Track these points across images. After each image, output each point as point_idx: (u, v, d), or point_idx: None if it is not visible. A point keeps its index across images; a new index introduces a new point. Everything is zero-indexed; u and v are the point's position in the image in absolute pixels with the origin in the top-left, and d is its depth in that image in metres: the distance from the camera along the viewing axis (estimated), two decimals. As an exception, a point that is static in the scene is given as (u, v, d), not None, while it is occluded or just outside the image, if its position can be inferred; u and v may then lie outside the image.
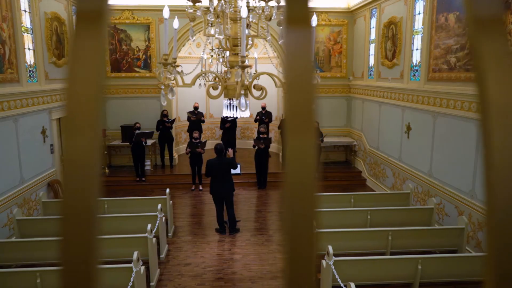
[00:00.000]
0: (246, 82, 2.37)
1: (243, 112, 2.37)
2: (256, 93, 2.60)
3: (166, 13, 2.55)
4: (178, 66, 2.71)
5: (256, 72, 4.36)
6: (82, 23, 0.24)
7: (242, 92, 2.30)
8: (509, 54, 0.29)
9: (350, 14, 11.72)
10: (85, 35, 0.24)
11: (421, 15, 7.99)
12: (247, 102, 2.30)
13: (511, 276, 0.28)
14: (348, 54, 11.95)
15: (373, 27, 10.39)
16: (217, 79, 4.00)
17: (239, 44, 2.60)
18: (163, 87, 2.68)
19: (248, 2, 2.64)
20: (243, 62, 2.29)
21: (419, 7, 8.10)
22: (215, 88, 2.68)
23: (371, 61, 10.59)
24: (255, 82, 2.72)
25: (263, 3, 2.66)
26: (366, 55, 10.84)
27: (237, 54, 2.62)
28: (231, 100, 2.76)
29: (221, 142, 8.47)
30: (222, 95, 2.85)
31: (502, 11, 0.31)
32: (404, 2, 8.64)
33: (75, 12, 0.25)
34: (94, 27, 0.24)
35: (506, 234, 0.28)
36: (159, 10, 11.16)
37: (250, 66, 2.50)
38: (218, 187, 7.44)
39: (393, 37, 9.22)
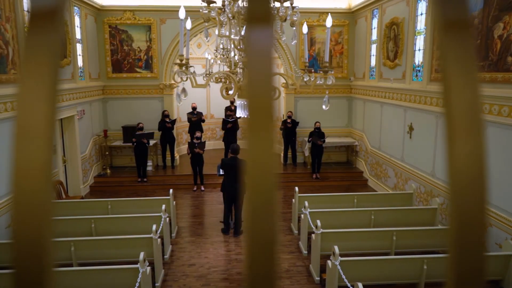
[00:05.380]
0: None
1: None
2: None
3: (182, 14, 2.55)
4: (191, 66, 2.72)
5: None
6: (253, 24, 0.24)
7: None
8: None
9: (351, 14, 11.74)
10: (257, 36, 0.24)
11: (424, 15, 8.02)
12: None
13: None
14: (349, 55, 11.98)
15: (374, 28, 10.42)
16: (225, 79, 3.99)
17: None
18: (178, 86, 2.68)
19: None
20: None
21: (422, 7, 8.13)
22: (229, 89, 2.68)
23: (373, 62, 10.62)
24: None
25: (278, 4, 2.67)
26: (368, 55, 10.86)
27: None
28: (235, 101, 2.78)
29: (236, 143, 8.51)
30: (219, 96, 2.86)
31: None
32: (406, 2, 8.67)
33: (246, 13, 0.25)
34: (264, 27, 0.24)
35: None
36: (160, 10, 11.20)
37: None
38: (229, 187, 7.46)
39: (395, 37, 9.24)
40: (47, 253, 0.22)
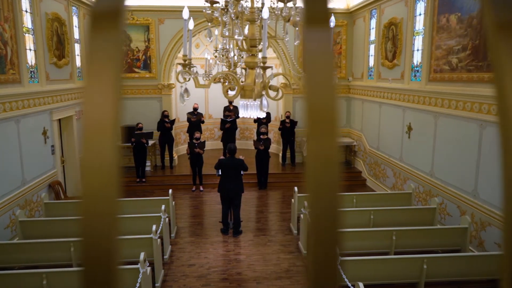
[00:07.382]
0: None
1: (263, 112, 2.39)
2: (271, 93, 2.62)
3: (185, 14, 2.55)
4: (193, 67, 2.72)
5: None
6: (309, 25, 0.24)
7: (263, 92, 2.31)
8: None
9: (349, 15, 11.76)
10: (314, 36, 0.24)
11: (422, 16, 8.03)
12: (268, 102, 2.32)
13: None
14: (348, 55, 12.00)
15: (373, 28, 10.43)
16: (224, 80, 4.00)
17: (257, 45, 2.62)
18: (181, 86, 2.68)
19: (263, 4, 2.66)
20: (264, 63, 2.30)
21: (420, 8, 8.15)
22: (232, 89, 2.69)
23: (371, 62, 10.63)
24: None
25: (281, 4, 2.67)
26: (366, 56, 10.88)
27: (254, 55, 2.64)
28: (238, 101, 2.78)
29: (234, 143, 8.52)
30: (218, 96, 2.88)
31: None
32: (404, 3, 8.69)
33: (303, 16, 0.26)
34: (321, 28, 0.24)
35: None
36: (158, 11, 11.18)
37: (271, 67, 2.52)
38: (226, 186, 7.46)
39: (393, 38, 9.26)
40: (114, 251, 0.22)
